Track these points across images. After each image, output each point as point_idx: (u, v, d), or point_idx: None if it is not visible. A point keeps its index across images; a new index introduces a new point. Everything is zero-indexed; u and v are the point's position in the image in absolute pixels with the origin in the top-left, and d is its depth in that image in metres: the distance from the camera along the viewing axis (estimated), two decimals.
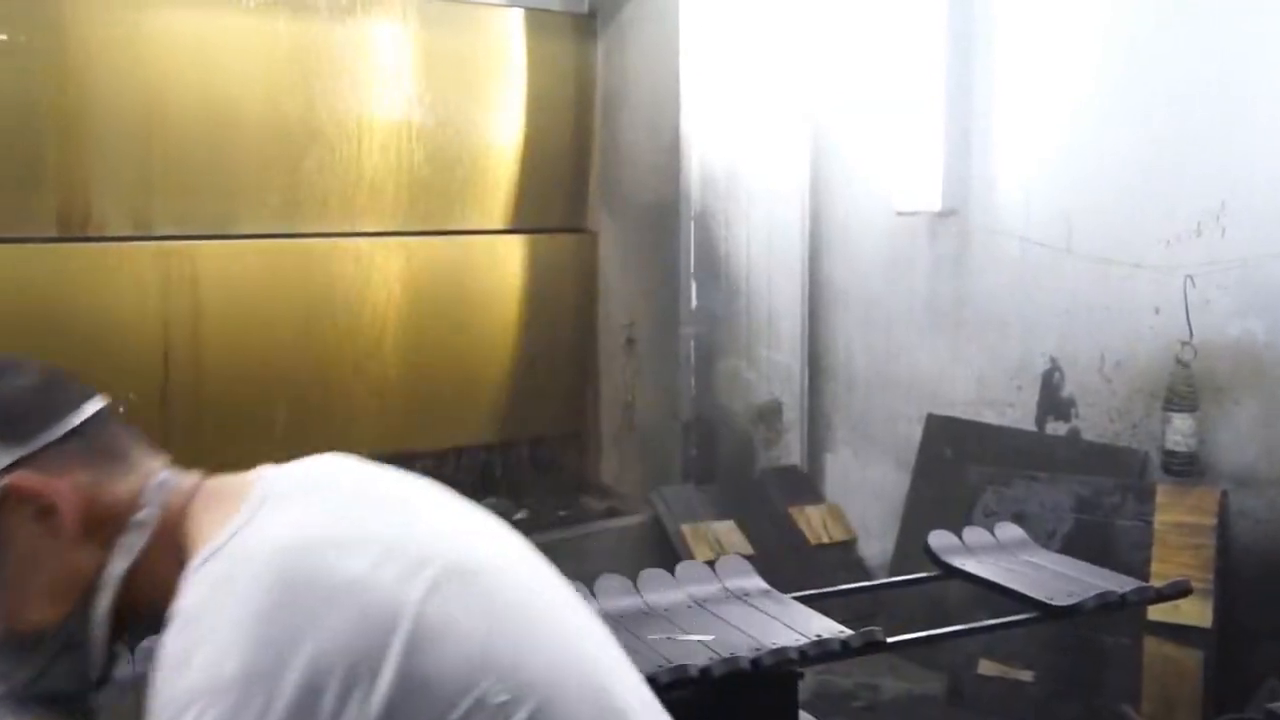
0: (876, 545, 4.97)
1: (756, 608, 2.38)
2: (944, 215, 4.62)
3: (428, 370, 5.12)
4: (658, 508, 4.98)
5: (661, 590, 2.39)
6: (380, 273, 4.97)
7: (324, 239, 4.83)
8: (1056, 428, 4.34)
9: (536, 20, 5.28)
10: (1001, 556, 2.78)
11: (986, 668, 4.10)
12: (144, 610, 1.15)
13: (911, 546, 4.22)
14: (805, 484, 5.21)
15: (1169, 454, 3.89)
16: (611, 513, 5.26)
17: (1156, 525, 3.88)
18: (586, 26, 5.43)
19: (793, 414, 5.28)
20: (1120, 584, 2.66)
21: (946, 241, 4.67)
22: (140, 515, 1.14)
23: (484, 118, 5.17)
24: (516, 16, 5.24)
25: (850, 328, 5.12)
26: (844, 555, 4.99)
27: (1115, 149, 4.08)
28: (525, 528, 6.32)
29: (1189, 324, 3.83)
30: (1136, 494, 3.97)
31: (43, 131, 4.13)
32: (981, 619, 2.88)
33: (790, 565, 4.72)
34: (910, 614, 3.56)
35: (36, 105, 4.11)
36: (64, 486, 1.11)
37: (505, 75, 5.22)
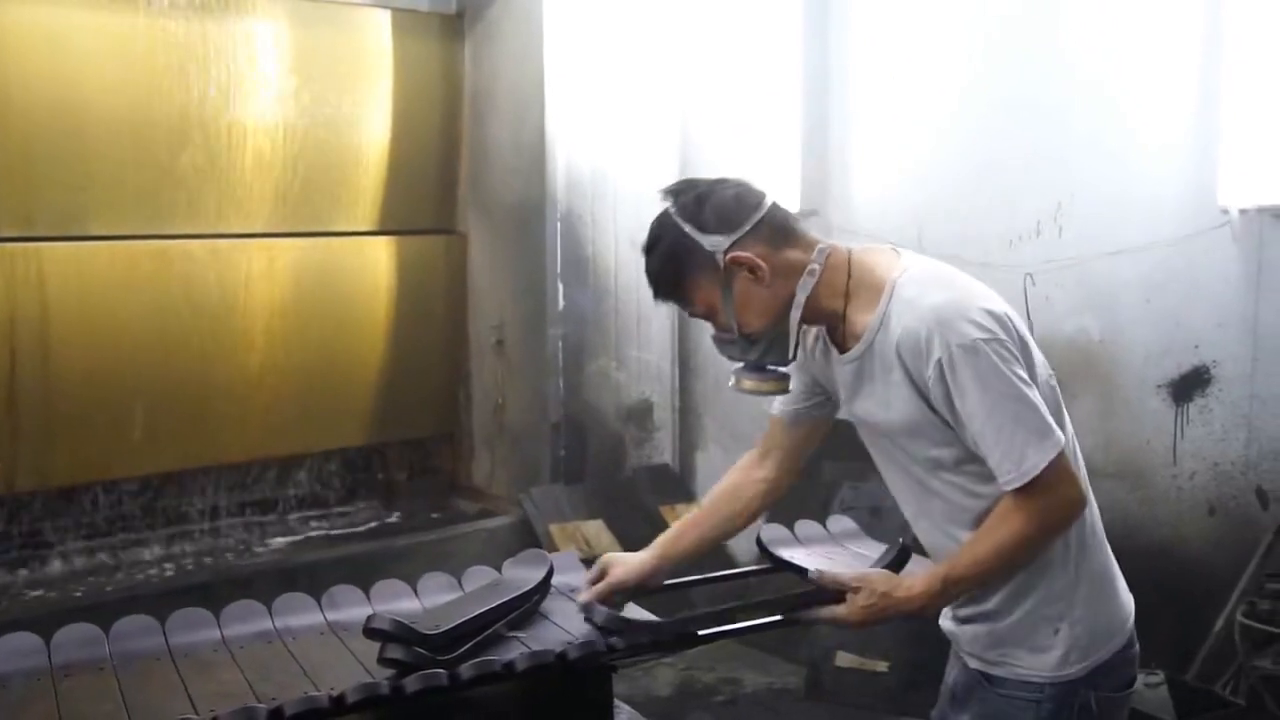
0: (745, 542, 5.01)
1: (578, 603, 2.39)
2: (804, 215, 4.68)
3: (296, 373, 5.06)
4: (526, 508, 4.99)
5: None
6: (245, 275, 4.89)
7: (185, 240, 4.74)
8: None
9: (404, 20, 5.26)
10: (831, 548, 2.81)
11: (844, 660, 4.17)
12: (816, 315, 1.95)
13: None
14: (676, 482, 5.25)
15: None
16: (483, 514, 5.25)
17: None
18: (454, 27, 5.42)
19: (663, 413, 5.32)
20: None
21: None
22: (811, 267, 1.91)
23: (351, 118, 5.12)
24: (384, 16, 5.20)
25: None
26: (713, 553, 5.01)
27: (965, 155, 4.21)
28: (397, 530, 6.16)
29: (1029, 321, 3.94)
30: None
31: None
32: None
33: None
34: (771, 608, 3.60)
35: None
36: (760, 253, 1.89)
37: (372, 75, 5.19)
